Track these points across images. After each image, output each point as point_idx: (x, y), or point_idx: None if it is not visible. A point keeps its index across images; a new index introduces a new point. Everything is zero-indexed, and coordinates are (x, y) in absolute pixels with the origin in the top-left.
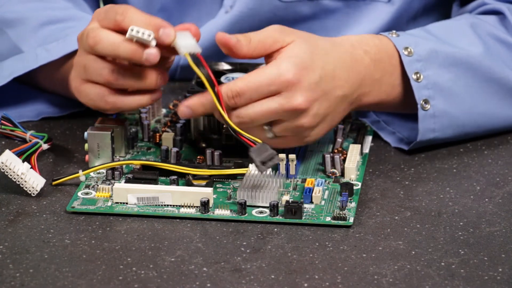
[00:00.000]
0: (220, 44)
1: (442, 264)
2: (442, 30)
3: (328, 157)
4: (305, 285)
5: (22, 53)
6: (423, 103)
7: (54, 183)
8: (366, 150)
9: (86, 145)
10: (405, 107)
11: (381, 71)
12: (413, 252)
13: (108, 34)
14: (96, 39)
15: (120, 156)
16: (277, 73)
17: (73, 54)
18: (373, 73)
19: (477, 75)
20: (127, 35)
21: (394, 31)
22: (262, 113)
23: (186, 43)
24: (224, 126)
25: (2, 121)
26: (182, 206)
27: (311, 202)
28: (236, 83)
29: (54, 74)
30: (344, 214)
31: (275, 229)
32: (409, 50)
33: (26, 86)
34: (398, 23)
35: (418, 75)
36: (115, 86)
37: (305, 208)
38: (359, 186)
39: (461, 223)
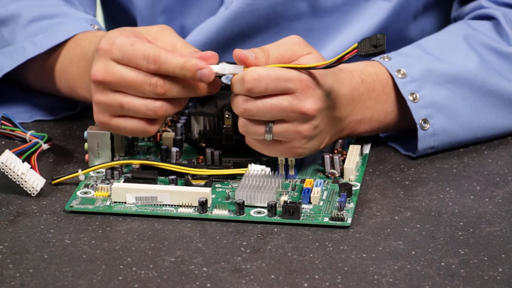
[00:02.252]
0: (237, 60)
1: (442, 264)
2: (435, 45)
3: (327, 157)
4: (305, 285)
5: (10, 47)
6: (422, 122)
7: (53, 182)
8: (366, 150)
9: (86, 145)
10: (401, 129)
11: (374, 99)
12: (413, 252)
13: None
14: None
15: (120, 156)
16: (298, 74)
17: (59, 46)
18: (366, 101)
19: (473, 89)
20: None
21: (386, 55)
22: (270, 107)
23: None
24: (224, 126)
25: (2, 121)
26: (180, 206)
27: (310, 202)
28: (257, 69)
29: (42, 67)
30: (342, 215)
31: (275, 229)
32: (402, 72)
33: (18, 87)
34: (396, 21)
35: (414, 96)
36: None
37: (303, 208)
38: (358, 187)
39: (461, 223)
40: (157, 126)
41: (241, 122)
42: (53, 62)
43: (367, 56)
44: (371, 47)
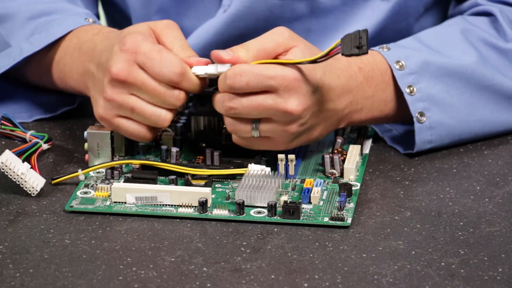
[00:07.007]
0: (215, 60)
1: (442, 264)
2: (434, 38)
3: (327, 157)
4: (305, 285)
5: (9, 49)
6: (419, 115)
7: (53, 182)
8: (366, 150)
9: (86, 145)
10: (401, 120)
11: (374, 88)
12: (413, 252)
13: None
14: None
15: (120, 156)
16: (281, 71)
17: (56, 42)
18: (365, 90)
19: (470, 83)
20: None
21: (385, 45)
22: (255, 105)
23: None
24: (224, 126)
25: (2, 121)
26: (180, 206)
27: (310, 202)
28: (240, 65)
29: (40, 63)
30: (342, 215)
31: (275, 229)
32: (400, 64)
33: (17, 85)
34: (394, 21)
35: (411, 88)
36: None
37: (303, 208)
38: (358, 187)
39: (461, 223)
40: (155, 133)
41: (228, 121)
42: (50, 56)
43: (350, 57)
44: (354, 48)
